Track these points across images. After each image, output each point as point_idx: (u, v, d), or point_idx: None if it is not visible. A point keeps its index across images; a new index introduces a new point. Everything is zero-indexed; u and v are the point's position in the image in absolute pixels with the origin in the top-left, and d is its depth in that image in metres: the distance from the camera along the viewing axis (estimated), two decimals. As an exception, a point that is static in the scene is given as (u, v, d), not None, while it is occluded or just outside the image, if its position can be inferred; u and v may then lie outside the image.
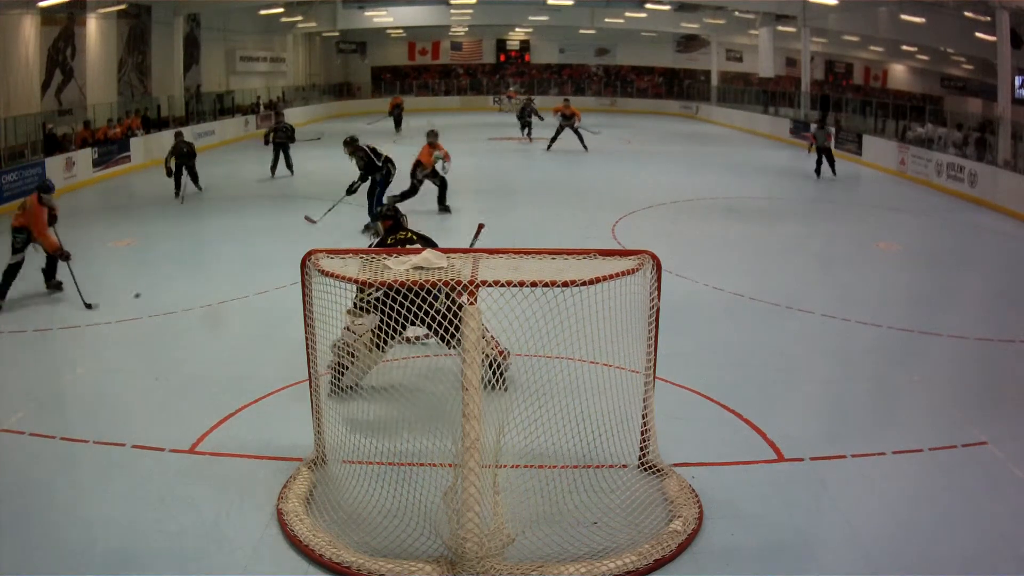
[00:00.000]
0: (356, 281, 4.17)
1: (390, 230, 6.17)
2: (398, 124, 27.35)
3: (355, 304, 5.28)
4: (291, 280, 7.38)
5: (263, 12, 29.50)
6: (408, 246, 5.70)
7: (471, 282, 4.01)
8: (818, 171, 17.05)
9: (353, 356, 5.50)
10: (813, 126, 18.07)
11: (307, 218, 11.75)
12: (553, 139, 20.62)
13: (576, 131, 20.26)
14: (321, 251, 4.54)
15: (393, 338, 4.92)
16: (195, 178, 14.62)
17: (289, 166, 16.96)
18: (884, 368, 6.67)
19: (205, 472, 4.85)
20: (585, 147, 20.21)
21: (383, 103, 37.39)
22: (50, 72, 18.56)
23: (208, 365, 6.62)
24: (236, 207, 13.04)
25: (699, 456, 4.96)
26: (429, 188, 12.31)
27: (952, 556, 4.04)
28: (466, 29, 38.80)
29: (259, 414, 5.62)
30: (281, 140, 16.80)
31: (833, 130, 18.41)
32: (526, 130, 23.49)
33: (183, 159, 14.24)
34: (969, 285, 9.06)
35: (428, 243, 5.78)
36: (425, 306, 4.42)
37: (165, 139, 20.63)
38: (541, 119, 23.32)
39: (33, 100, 17.70)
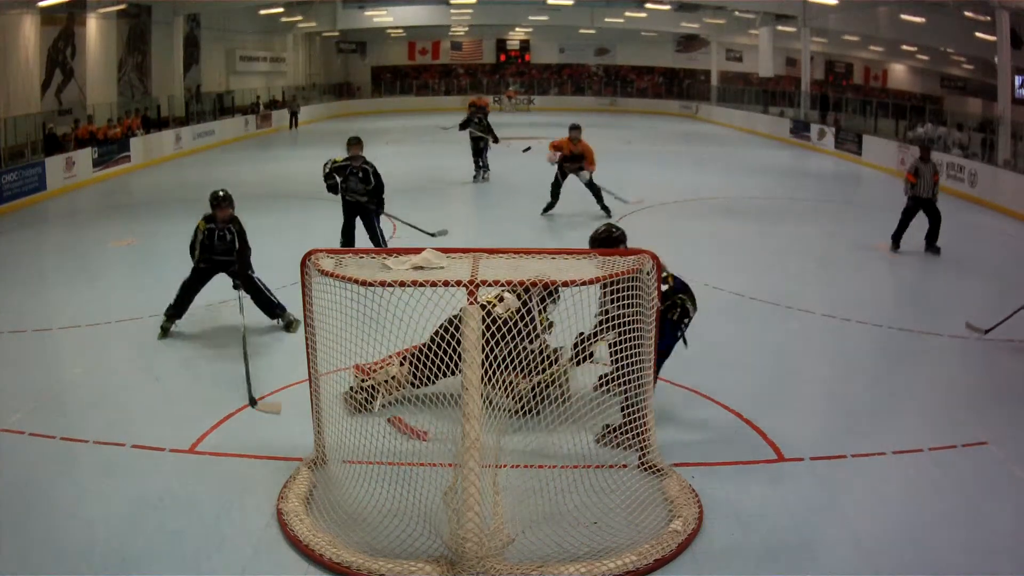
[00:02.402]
0: (356, 281, 4.17)
1: None
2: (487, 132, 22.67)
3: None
4: (291, 280, 7.38)
5: (263, 12, 29.54)
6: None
7: (471, 282, 4.00)
8: (899, 236, 10.39)
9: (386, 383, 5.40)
10: (912, 160, 10.74)
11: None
12: (554, 193, 12.31)
13: (592, 186, 12.11)
14: (321, 251, 4.55)
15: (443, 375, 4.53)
16: (261, 301, 7.33)
17: (376, 238, 9.36)
18: (884, 368, 6.67)
19: (205, 472, 4.84)
20: (606, 209, 11.96)
21: (383, 103, 37.55)
22: (50, 72, 18.58)
23: (208, 365, 6.62)
24: (235, 207, 12.99)
25: (699, 456, 4.96)
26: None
27: (952, 556, 4.04)
28: (466, 29, 38.83)
29: (259, 414, 5.61)
30: (354, 195, 9.13)
31: (942, 167, 10.42)
32: (479, 162, 15.71)
33: (213, 250, 7.18)
34: (969, 285, 9.06)
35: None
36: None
37: (165, 139, 20.71)
38: (495, 140, 15.67)
39: (33, 100, 17.72)
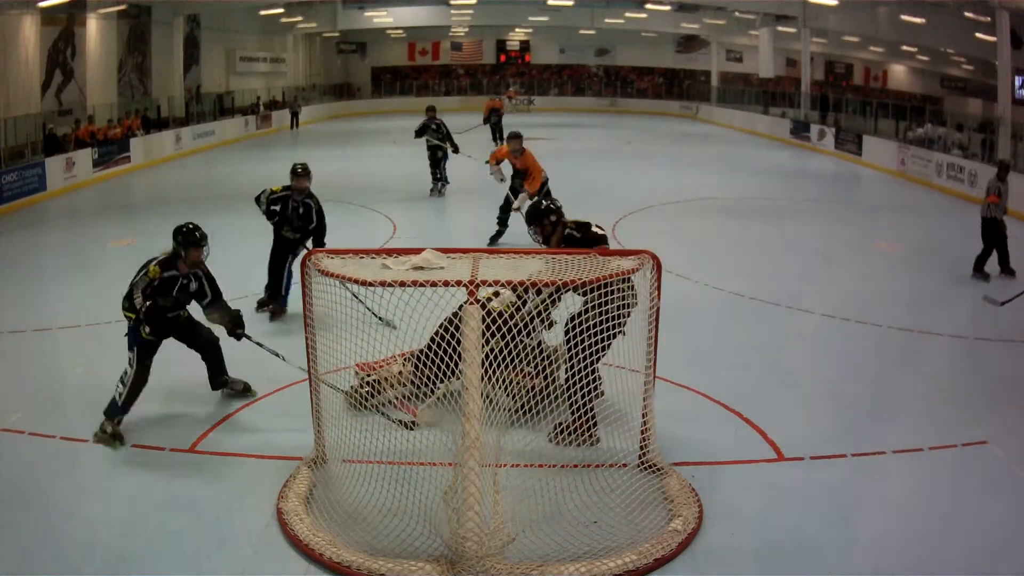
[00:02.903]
0: (356, 281, 4.17)
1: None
2: (498, 134, 21.08)
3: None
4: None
5: (263, 12, 29.55)
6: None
7: (471, 282, 4.01)
8: (982, 263, 9.20)
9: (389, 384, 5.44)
10: (991, 180, 9.31)
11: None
12: (502, 219, 10.26)
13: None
14: (321, 251, 4.56)
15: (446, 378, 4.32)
16: (216, 366, 5.80)
17: (286, 279, 7.70)
18: (884, 368, 6.67)
19: (205, 472, 4.85)
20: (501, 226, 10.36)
21: (383, 104, 37.54)
22: (50, 72, 18.58)
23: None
24: (235, 207, 13.00)
25: (699, 456, 4.96)
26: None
27: (952, 556, 4.04)
28: (466, 29, 38.85)
29: (259, 414, 5.62)
30: (289, 231, 7.62)
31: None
32: (437, 172, 14.03)
33: (166, 304, 5.40)
34: (969, 285, 9.05)
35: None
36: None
37: (165, 139, 20.70)
38: (455, 150, 13.65)
39: (33, 100, 17.72)
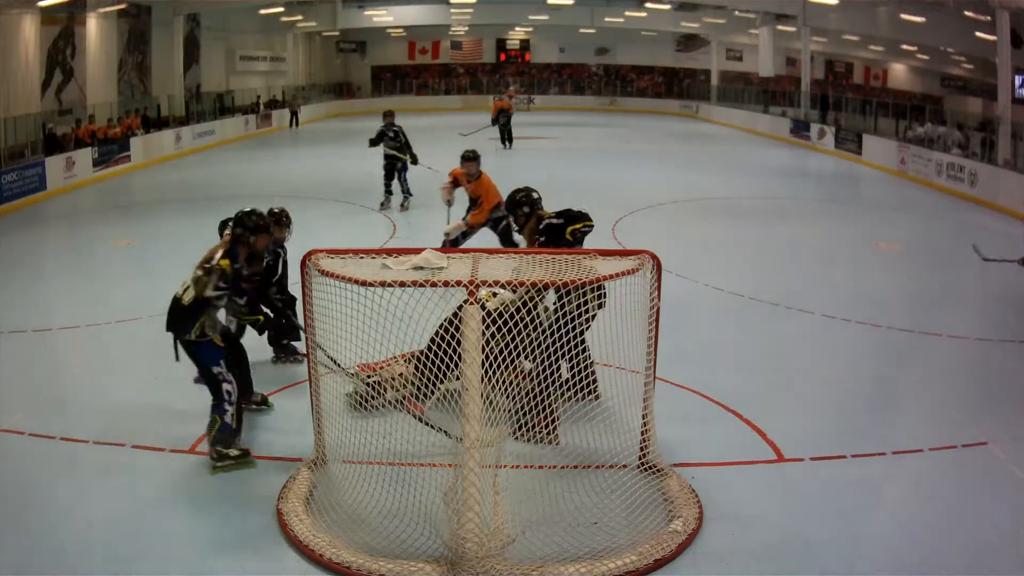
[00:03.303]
0: (356, 281, 4.17)
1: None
2: (507, 136, 20.67)
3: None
4: (291, 280, 7.38)
5: (263, 12, 29.54)
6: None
7: (471, 282, 4.00)
8: None
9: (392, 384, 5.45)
10: None
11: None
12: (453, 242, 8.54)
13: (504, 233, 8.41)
14: (321, 251, 4.54)
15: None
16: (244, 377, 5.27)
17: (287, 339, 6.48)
18: (884, 368, 6.67)
19: (205, 472, 4.84)
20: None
21: (383, 103, 37.49)
22: (50, 72, 18.58)
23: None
24: (235, 207, 12.98)
25: (699, 456, 4.96)
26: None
27: (952, 556, 4.04)
28: (466, 28, 38.83)
29: (259, 414, 5.61)
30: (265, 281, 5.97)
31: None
32: (390, 185, 12.71)
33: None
34: (969, 285, 9.06)
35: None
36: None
37: (165, 139, 20.71)
38: (414, 160, 12.41)
39: (33, 100, 17.72)
